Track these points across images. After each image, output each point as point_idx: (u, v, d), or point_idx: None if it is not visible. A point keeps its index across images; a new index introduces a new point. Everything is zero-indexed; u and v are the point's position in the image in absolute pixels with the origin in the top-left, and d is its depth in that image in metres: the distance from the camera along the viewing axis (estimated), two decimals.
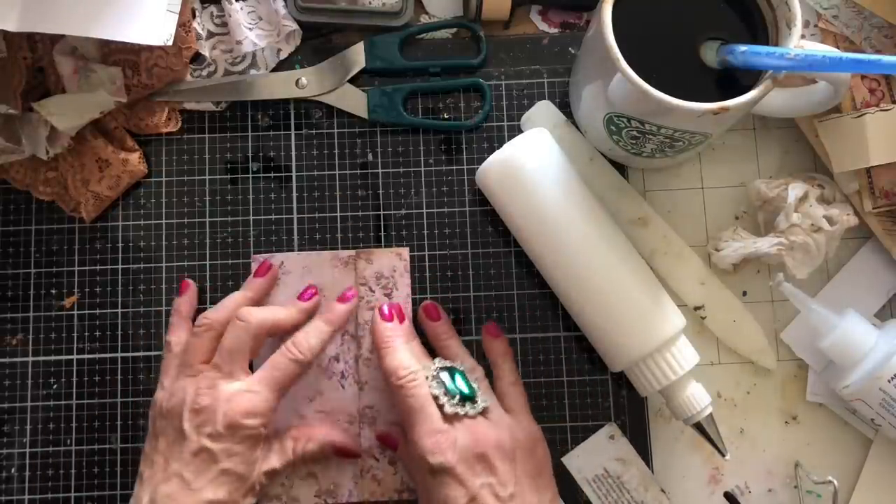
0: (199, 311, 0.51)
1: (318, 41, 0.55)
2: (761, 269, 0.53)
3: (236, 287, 0.52)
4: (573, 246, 0.48)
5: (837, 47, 0.50)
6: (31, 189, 0.53)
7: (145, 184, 0.53)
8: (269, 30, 0.53)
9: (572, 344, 0.52)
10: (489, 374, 0.50)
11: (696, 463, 0.52)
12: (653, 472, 0.51)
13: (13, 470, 0.51)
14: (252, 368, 0.48)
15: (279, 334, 0.50)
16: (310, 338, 0.48)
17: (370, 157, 0.54)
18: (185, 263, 0.53)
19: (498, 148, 0.50)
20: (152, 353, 0.52)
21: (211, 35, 0.54)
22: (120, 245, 0.53)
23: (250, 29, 0.52)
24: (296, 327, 0.50)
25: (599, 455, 0.51)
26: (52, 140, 0.51)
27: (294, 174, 0.54)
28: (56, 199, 0.53)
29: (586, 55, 0.48)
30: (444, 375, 0.46)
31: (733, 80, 0.45)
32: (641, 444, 0.51)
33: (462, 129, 0.54)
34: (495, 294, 0.52)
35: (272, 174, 0.54)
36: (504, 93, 0.54)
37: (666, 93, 0.42)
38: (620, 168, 0.53)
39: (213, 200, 0.53)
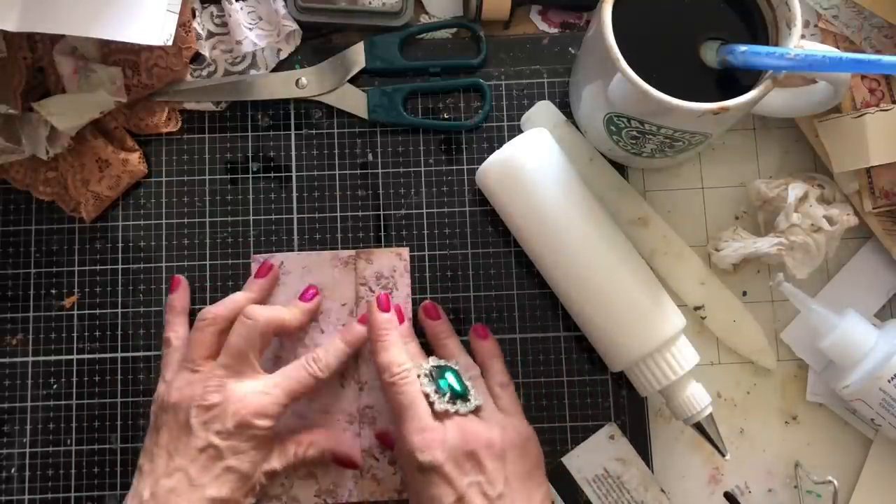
0: (195, 310, 0.51)
1: (318, 41, 0.55)
2: (761, 269, 0.53)
3: (236, 287, 0.52)
4: (573, 246, 0.48)
5: (837, 47, 0.50)
6: (31, 189, 0.53)
7: (145, 184, 0.53)
8: (269, 30, 0.53)
9: (572, 344, 0.52)
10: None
11: (696, 463, 0.52)
12: (653, 472, 0.51)
13: (13, 470, 0.51)
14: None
15: (284, 334, 0.50)
16: (329, 357, 0.48)
17: (370, 157, 0.54)
18: (185, 263, 0.53)
19: (498, 148, 0.50)
20: (152, 353, 0.52)
21: (211, 35, 0.54)
22: (120, 245, 0.53)
23: (250, 29, 0.52)
24: (299, 328, 0.50)
25: (599, 455, 0.51)
26: (52, 140, 0.51)
27: (294, 174, 0.54)
28: (56, 199, 0.53)
29: (586, 55, 0.48)
30: (436, 373, 0.46)
31: (733, 80, 0.45)
32: (641, 444, 0.51)
33: (462, 129, 0.54)
34: (495, 294, 0.52)
35: (272, 174, 0.54)
36: (504, 93, 0.54)
37: (666, 93, 0.42)
38: (620, 168, 0.53)
39: (213, 200, 0.53)
